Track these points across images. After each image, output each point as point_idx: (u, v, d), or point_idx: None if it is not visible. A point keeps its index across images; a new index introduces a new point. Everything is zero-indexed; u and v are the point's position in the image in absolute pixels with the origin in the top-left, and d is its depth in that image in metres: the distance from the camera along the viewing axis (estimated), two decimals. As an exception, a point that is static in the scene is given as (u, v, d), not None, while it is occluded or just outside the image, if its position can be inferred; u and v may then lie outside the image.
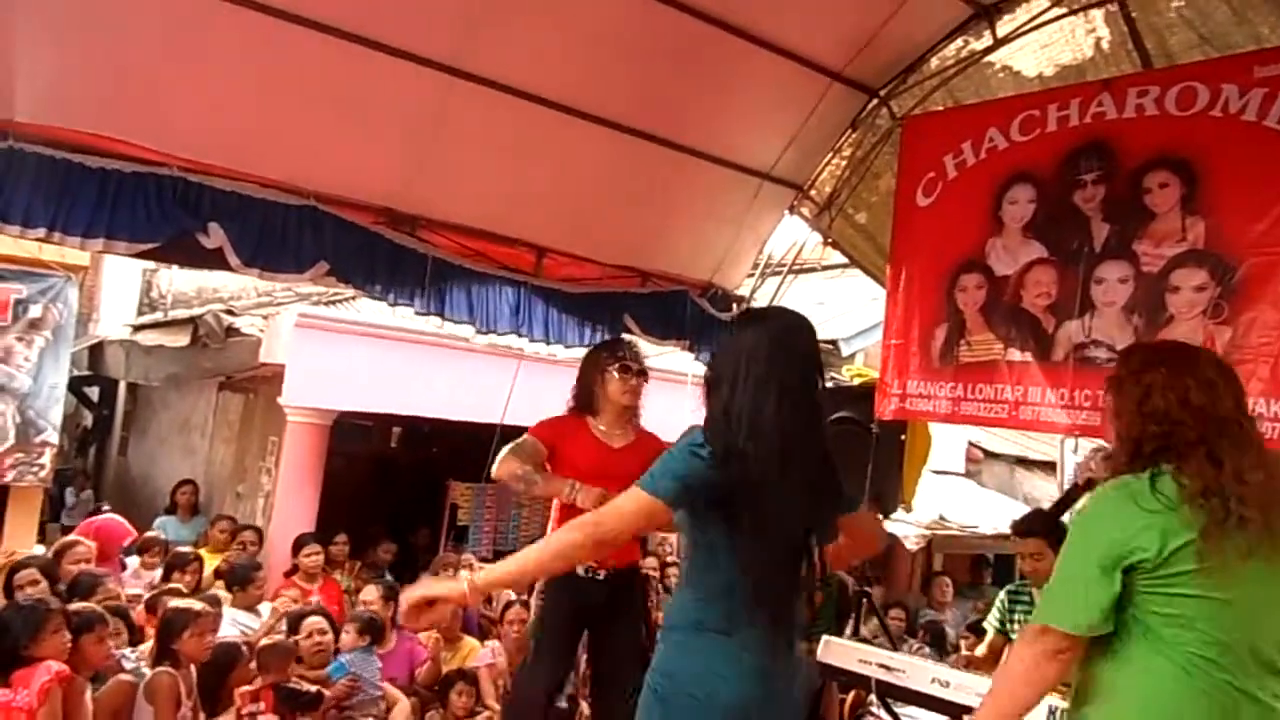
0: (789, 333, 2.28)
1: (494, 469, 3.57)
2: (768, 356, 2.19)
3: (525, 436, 3.66)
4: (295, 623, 4.76)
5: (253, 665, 4.36)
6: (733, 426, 2.14)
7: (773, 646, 2.26)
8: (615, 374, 3.73)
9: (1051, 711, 3.21)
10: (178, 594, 4.78)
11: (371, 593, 5.35)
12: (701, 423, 2.24)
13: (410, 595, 2.27)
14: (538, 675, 3.71)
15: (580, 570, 3.55)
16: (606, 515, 2.22)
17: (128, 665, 4.15)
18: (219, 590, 5.43)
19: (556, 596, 3.67)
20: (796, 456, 2.16)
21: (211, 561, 6.03)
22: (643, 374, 3.80)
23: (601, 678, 3.88)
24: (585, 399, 3.79)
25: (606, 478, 3.42)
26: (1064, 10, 4.34)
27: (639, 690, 2.30)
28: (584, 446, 3.68)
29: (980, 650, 4.66)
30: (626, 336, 4.57)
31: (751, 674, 2.21)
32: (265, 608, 5.48)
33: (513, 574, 2.36)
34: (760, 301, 5.77)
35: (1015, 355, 4.25)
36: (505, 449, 3.60)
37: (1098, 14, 4.27)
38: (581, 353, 4.19)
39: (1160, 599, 1.91)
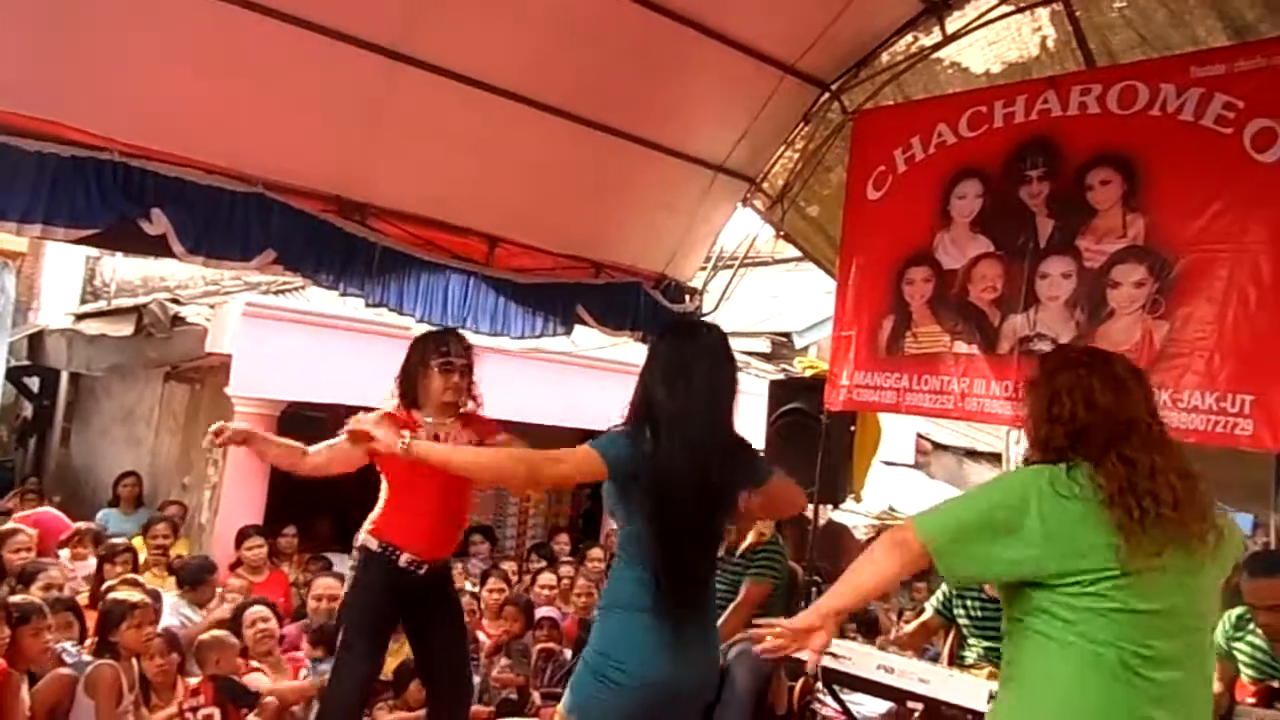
0: (687, 338, 2.70)
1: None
2: (671, 358, 2.63)
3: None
4: (237, 616, 4.70)
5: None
6: (649, 409, 2.56)
7: (690, 624, 2.57)
8: (437, 371, 3.61)
9: (992, 696, 3.28)
10: (131, 585, 4.67)
11: (327, 583, 5.25)
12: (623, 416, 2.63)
13: (359, 426, 2.84)
14: (356, 663, 3.56)
15: (403, 562, 3.54)
16: (558, 454, 2.54)
17: (69, 659, 4.06)
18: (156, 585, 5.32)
19: (375, 581, 3.57)
20: (703, 436, 2.53)
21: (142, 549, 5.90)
22: (467, 370, 3.69)
23: (433, 661, 3.80)
24: (409, 392, 3.66)
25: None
26: (1011, 8, 4.42)
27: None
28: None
29: (910, 627, 4.62)
30: (453, 326, 4.25)
31: (675, 649, 2.52)
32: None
33: (454, 463, 2.81)
34: (713, 293, 5.80)
35: (961, 348, 4.32)
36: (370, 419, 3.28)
37: (1044, 13, 4.36)
38: (532, 344, 4.13)
39: (1073, 593, 1.91)
